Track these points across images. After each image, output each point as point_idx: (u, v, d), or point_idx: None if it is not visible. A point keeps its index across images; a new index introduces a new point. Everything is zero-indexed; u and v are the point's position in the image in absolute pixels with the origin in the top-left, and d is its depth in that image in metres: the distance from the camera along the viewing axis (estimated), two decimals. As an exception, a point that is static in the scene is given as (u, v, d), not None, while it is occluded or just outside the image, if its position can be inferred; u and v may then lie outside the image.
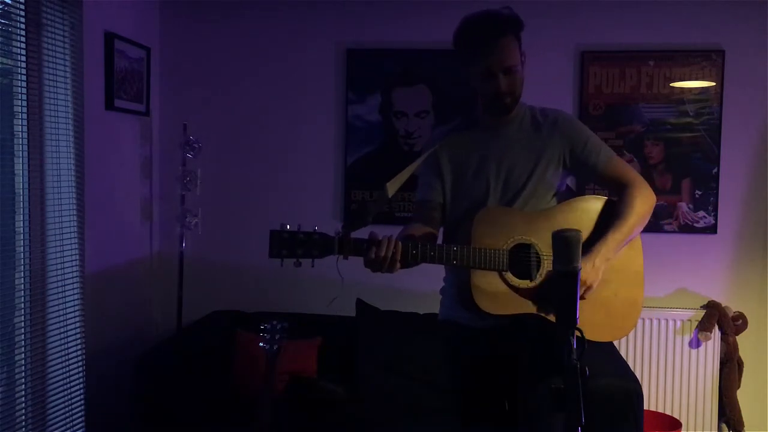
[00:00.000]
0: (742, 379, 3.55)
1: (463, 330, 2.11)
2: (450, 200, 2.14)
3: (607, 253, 1.98)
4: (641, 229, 2.08)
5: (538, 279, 1.98)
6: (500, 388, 2.13)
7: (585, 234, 2.02)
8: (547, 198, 2.10)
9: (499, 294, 1.96)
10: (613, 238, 2.00)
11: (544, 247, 1.99)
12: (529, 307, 1.97)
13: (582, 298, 1.95)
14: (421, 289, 3.64)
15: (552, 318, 1.92)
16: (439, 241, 2.19)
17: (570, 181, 2.28)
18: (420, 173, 2.16)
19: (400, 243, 1.87)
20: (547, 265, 1.98)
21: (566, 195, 2.19)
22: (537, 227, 1.99)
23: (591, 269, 1.94)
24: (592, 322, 1.99)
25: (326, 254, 1.87)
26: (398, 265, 1.88)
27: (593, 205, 2.10)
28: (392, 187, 1.99)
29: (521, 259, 1.98)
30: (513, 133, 2.10)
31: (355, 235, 1.89)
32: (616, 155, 2.15)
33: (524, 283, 1.97)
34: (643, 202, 2.06)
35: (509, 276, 1.97)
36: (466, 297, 1.98)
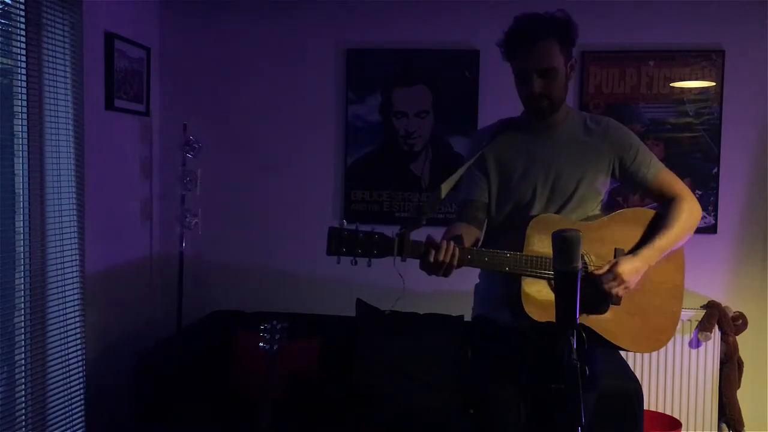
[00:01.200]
0: (742, 379, 3.55)
1: (500, 328, 2.09)
2: (494, 202, 2.13)
3: (650, 258, 2.01)
4: (684, 241, 2.09)
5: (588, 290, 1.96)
6: (531, 387, 2.11)
7: (633, 244, 2.05)
8: (594, 206, 2.10)
9: (548, 302, 1.94)
10: (658, 246, 2.02)
11: (594, 257, 2.00)
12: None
13: (618, 302, 1.98)
14: (421, 289, 3.65)
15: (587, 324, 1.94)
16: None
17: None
18: (465, 171, 2.14)
19: (457, 249, 1.86)
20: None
21: (609, 203, 2.19)
22: (589, 237, 1.98)
23: (632, 270, 1.96)
24: (629, 332, 2.03)
25: (385, 255, 1.86)
26: (454, 269, 1.88)
27: (642, 217, 2.11)
28: (445, 188, 2.00)
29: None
30: (562, 139, 2.09)
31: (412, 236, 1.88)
32: (665, 167, 2.15)
33: None
34: (689, 216, 2.08)
35: None
36: (516, 304, 1.97)
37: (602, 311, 1.98)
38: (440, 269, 1.87)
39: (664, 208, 2.11)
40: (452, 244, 1.87)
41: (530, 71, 1.98)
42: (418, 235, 1.91)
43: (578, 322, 1.90)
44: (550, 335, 1.95)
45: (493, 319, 2.13)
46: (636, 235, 2.07)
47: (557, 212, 2.06)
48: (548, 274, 1.93)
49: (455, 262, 1.86)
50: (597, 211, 2.12)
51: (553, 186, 2.07)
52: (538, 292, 1.95)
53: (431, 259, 1.85)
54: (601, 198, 2.13)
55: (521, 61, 1.99)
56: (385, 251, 1.85)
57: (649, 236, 2.05)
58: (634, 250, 2.03)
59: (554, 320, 1.91)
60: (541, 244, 1.96)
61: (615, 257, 2.01)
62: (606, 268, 1.97)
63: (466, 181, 2.16)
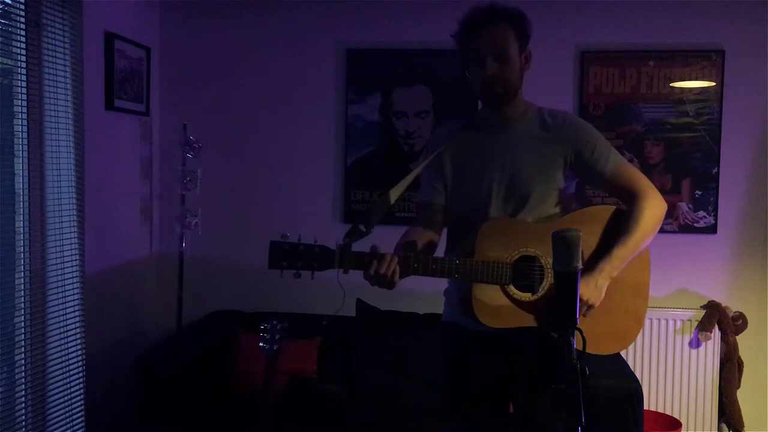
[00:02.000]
0: (742, 379, 3.55)
1: (467, 333, 2.08)
2: (451, 202, 2.11)
3: (611, 271, 1.93)
4: (650, 241, 2.01)
5: (541, 292, 1.93)
6: (502, 391, 2.11)
7: (592, 246, 1.98)
8: (553, 202, 2.05)
9: (500, 307, 1.93)
10: (618, 255, 1.94)
11: (549, 259, 1.94)
12: (530, 321, 1.94)
13: (583, 315, 1.92)
14: (421, 289, 3.64)
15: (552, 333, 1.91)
16: (442, 244, 2.17)
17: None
18: (422, 173, 2.13)
19: (397, 263, 1.85)
20: (550, 279, 1.93)
21: (573, 200, 2.13)
22: (543, 239, 1.90)
23: (594, 289, 1.90)
24: (593, 334, 1.95)
25: (326, 267, 1.86)
26: (396, 283, 1.87)
27: (601, 216, 2.02)
28: (394, 194, 1.97)
29: (525, 272, 1.94)
30: (519, 135, 2.05)
31: (357, 246, 1.87)
32: (626, 161, 2.07)
33: (526, 296, 1.93)
34: (651, 214, 1.99)
35: (511, 289, 1.93)
36: (467, 309, 1.96)
37: None
38: (382, 282, 1.86)
39: (626, 208, 2.03)
40: (394, 257, 1.85)
41: (484, 54, 1.96)
42: (374, 238, 1.88)
43: (529, 325, 1.90)
44: (513, 339, 1.96)
45: (459, 323, 2.10)
46: (595, 236, 1.99)
47: (515, 211, 2.02)
48: (500, 280, 1.91)
49: (396, 278, 1.85)
50: (556, 210, 2.06)
51: (509, 184, 2.02)
52: (490, 297, 1.93)
53: (372, 272, 1.83)
54: (558, 194, 2.05)
55: (475, 42, 1.97)
56: (325, 264, 1.85)
57: (609, 241, 1.97)
58: (596, 252, 1.96)
59: (506, 326, 1.93)
60: (493, 249, 1.93)
61: None
62: None
63: (423, 183, 2.14)
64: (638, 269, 2.03)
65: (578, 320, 1.86)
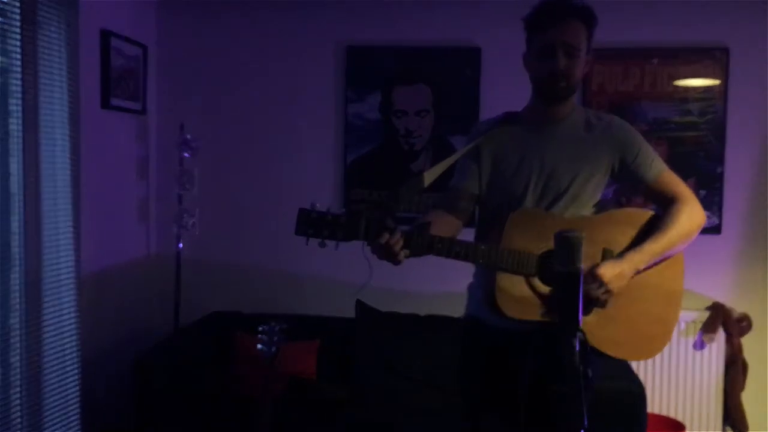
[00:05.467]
0: (746, 380, 3.51)
1: (487, 329, 2.04)
2: (485, 194, 2.06)
3: (638, 262, 1.91)
4: (684, 246, 1.98)
5: None
6: (513, 391, 2.06)
7: (623, 246, 1.95)
8: (589, 205, 2.03)
9: (523, 299, 1.90)
10: (649, 249, 1.92)
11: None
12: (552, 315, 1.90)
13: (602, 305, 1.90)
14: (421, 290, 3.62)
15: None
16: (471, 235, 2.12)
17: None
18: (458, 161, 2.09)
19: (401, 240, 1.82)
20: None
21: (610, 205, 2.12)
22: None
23: (617, 274, 1.88)
24: (613, 339, 1.93)
25: (351, 238, 1.82)
26: (401, 257, 1.83)
27: (637, 219, 2.01)
28: (429, 177, 1.95)
29: (553, 266, 1.93)
30: (562, 133, 2.02)
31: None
32: (668, 169, 2.05)
33: (548, 290, 1.90)
34: (689, 219, 1.96)
35: (535, 281, 1.90)
36: (490, 298, 1.92)
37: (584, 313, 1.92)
38: (386, 253, 1.82)
39: (662, 211, 2.02)
40: (400, 234, 1.81)
41: (557, 45, 1.92)
42: None
43: (551, 320, 1.88)
44: (539, 337, 1.91)
45: (481, 319, 2.07)
46: (628, 237, 1.97)
47: (547, 208, 1.99)
48: (526, 270, 1.88)
49: (397, 250, 1.80)
50: (592, 210, 2.04)
51: (548, 180, 2.00)
52: (514, 287, 1.89)
53: (382, 241, 1.80)
54: (597, 198, 2.05)
55: (549, 33, 1.93)
56: (351, 234, 1.81)
57: (642, 239, 1.95)
58: (624, 252, 1.94)
59: (529, 318, 1.90)
60: (520, 239, 1.90)
61: (603, 259, 1.93)
62: (586, 269, 1.85)
63: (458, 169, 2.10)
64: (672, 277, 2.00)
65: (594, 310, 1.87)
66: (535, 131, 2.04)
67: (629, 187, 2.17)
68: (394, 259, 1.83)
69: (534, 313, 1.90)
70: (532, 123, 2.06)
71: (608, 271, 1.88)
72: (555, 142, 2.01)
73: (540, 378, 1.91)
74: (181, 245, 3.68)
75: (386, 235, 1.80)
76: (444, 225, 2.01)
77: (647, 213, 2.02)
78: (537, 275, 1.90)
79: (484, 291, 2.00)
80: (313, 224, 1.83)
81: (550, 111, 2.03)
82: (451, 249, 1.87)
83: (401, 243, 1.82)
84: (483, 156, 2.05)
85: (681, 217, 1.96)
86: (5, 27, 2.67)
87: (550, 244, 1.87)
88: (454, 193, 2.09)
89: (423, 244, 1.85)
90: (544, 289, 1.90)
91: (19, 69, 2.71)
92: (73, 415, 3.01)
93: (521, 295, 1.89)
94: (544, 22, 1.95)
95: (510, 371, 2.02)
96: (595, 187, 2.02)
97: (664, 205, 2.02)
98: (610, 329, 1.93)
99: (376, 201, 3.65)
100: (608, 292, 1.89)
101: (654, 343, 2.02)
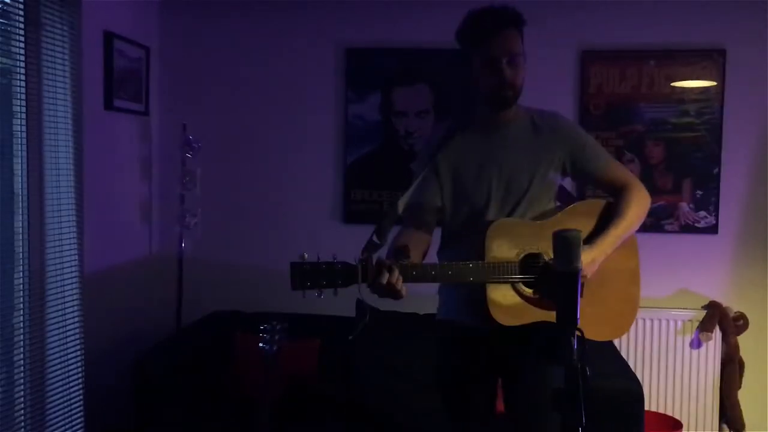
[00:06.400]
0: (743, 379, 3.54)
1: (465, 331, 2.10)
2: (450, 206, 2.12)
3: (606, 247, 2.02)
4: (636, 228, 2.11)
5: None
6: (495, 389, 2.15)
7: (587, 236, 2.04)
8: (547, 200, 2.11)
9: (513, 306, 1.98)
10: (613, 234, 2.03)
11: (550, 253, 1.97)
12: (540, 316, 1.98)
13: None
14: (420, 290, 3.63)
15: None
16: (435, 246, 2.17)
17: (566, 183, 2.29)
18: (414, 174, 2.14)
19: (401, 277, 1.84)
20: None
21: (561, 196, 2.20)
22: (544, 236, 1.97)
23: (590, 261, 1.96)
24: (590, 321, 1.97)
25: (350, 283, 1.84)
26: (403, 292, 1.86)
27: (594, 209, 2.11)
28: (402, 203, 2.02)
29: (531, 269, 1.99)
30: (513, 136, 2.09)
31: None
32: (613, 158, 2.19)
33: (531, 292, 1.99)
34: (639, 203, 2.09)
35: (521, 287, 1.98)
36: (483, 311, 1.98)
37: None
38: (386, 292, 1.84)
39: (615, 198, 2.12)
40: (396, 270, 1.82)
41: (500, 57, 1.96)
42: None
43: (542, 319, 1.94)
44: (514, 337, 1.99)
45: (457, 321, 2.13)
46: (589, 226, 2.07)
47: (510, 212, 2.06)
48: (512, 278, 1.96)
49: (399, 287, 1.83)
50: (551, 206, 2.13)
51: (507, 186, 2.07)
52: (504, 297, 1.97)
53: (384, 281, 1.81)
54: (553, 196, 2.13)
55: (491, 47, 1.97)
56: (349, 280, 1.83)
57: (603, 226, 2.05)
58: (589, 241, 2.02)
59: (523, 323, 1.97)
60: (500, 250, 1.98)
61: None
62: None
63: (418, 184, 2.12)
64: (629, 257, 2.12)
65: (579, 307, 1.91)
66: (488, 136, 2.10)
67: (581, 181, 2.27)
68: (396, 296, 1.86)
69: (525, 317, 1.99)
70: (484, 129, 2.11)
71: (582, 259, 1.92)
72: (509, 147, 2.08)
73: (534, 375, 1.97)
74: (183, 245, 3.70)
75: (386, 275, 1.82)
76: (419, 244, 2.06)
77: (600, 201, 2.14)
78: (521, 281, 1.98)
79: (472, 304, 2.03)
80: (308, 276, 1.85)
81: (499, 117, 2.09)
82: (444, 274, 1.94)
83: (401, 280, 1.85)
84: (441, 168, 2.10)
85: (633, 202, 2.09)
86: (8, 29, 2.68)
87: (526, 249, 1.99)
88: (417, 208, 2.11)
89: (420, 275, 1.89)
90: (529, 292, 1.99)
91: (22, 70, 2.72)
92: (77, 413, 3.02)
93: (511, 303, 1.98)
94: (482, 36, 1.98)
95: (488, 370, 2.11)
96: (550, 186, 2.11)
97: (615, 193, 2.13)
98: (587, 314, 1.97)
99: (377, 201, 3.67)
100: (584, 278, 1.96)
101: (624, 319, 2.14)
